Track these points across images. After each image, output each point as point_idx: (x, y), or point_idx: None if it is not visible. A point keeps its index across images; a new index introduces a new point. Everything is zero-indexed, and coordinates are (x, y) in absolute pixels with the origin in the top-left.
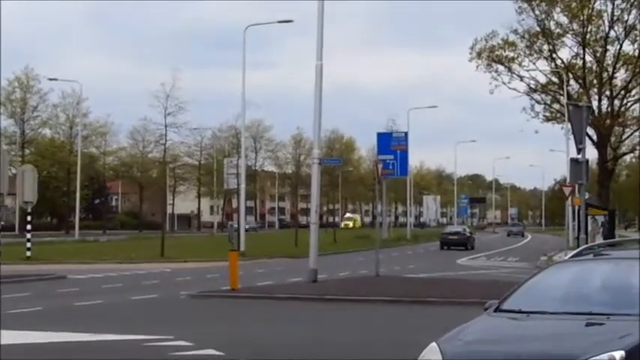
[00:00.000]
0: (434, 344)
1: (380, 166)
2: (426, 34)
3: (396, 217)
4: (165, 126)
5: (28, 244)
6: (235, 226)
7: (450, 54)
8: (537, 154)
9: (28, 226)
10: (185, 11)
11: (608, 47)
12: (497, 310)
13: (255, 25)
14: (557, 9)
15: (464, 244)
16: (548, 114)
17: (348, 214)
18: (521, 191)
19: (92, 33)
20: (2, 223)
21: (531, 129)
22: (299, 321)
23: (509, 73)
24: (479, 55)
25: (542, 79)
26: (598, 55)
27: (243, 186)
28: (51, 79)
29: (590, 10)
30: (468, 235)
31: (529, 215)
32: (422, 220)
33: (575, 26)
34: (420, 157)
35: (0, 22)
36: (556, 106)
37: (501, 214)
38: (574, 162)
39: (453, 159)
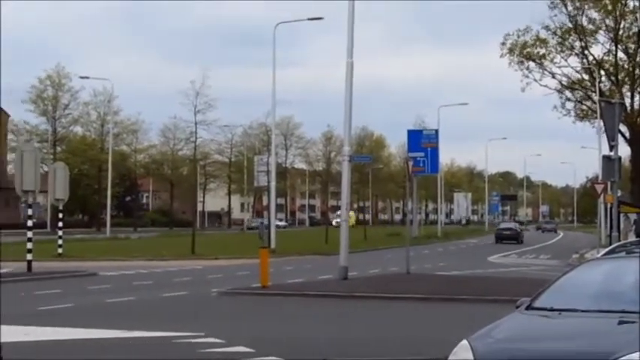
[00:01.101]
0: (465, 342)
1: (411, 163)
2: (456, 31)
3: (427, 215)
4: (195, 123)
5: (60, 242)
6: (265, 223)
7: (481, 51)
8: (569, 151)
9: (60, 224)
10: (216, 9)
11: None
12: (529, 307)
13: (286, 22)
14: (590, 5)
15: (515, 238)
16: (579, 111)
17: (338, 212)
18: (553, 189)
19: (123, 31)
20: (34, 220)
21: (563, 127)
22: (329, 318)
23: (541, 70)
24: (510, 51)
25: (574, 76)
26: (631, 51)
27: (273, 183)
28: (82, 77)
29: (623, 7)
30: (519, 230)
31: (561, 213)
32: (467, 217)
33: (607, 22)
34: (451, 155)
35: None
36: (588, 103)
37: (533, 212)
38: (606, 159)
39: (483, 156)
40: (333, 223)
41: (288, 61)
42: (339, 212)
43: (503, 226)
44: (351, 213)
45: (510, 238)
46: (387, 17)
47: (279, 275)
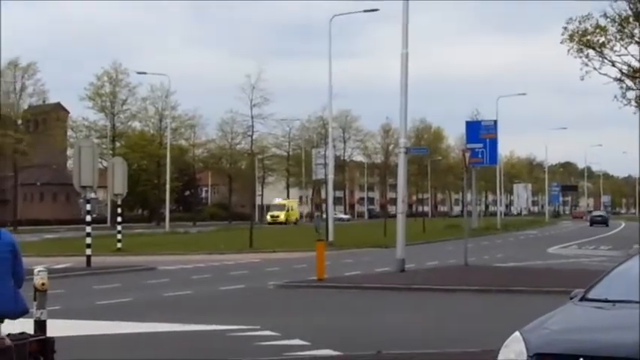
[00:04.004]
0: (517, 333)
1: (468, 154)
2: (514, 20)
3: (487, 206)
4: (252, 117)
5: (119, 236)
6: (324, 216)
7: (539, 40)
8: (631, 141)
9: (119, 219)
10: (270, 2)
11: None
12: (583, 299)
13: (341, 14)
14: None
15: (605, 222)
16: None
17: (277, 200)
18: (615, 179)
19: (179, 26)
20: (94, 215)
21: (624, 116)
22: (385, 310)
23: (601, 59)
24: (571, 37)
25: (635, 65)
26: None
27: (331, 176)
28: (139, 73)
29: None
30: (607, 216)
31: (623, 203)
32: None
33: None
34: (511, 146)
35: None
36: None
37: (594, 202)
38: None
39: (543, 147)
40: (267, 218)
41: (346, 52)
42: (276, 201)
43: (595, 213)
44: (292, 202)
45: (601, 222)
46: (444, 6)
47: (336, 268)
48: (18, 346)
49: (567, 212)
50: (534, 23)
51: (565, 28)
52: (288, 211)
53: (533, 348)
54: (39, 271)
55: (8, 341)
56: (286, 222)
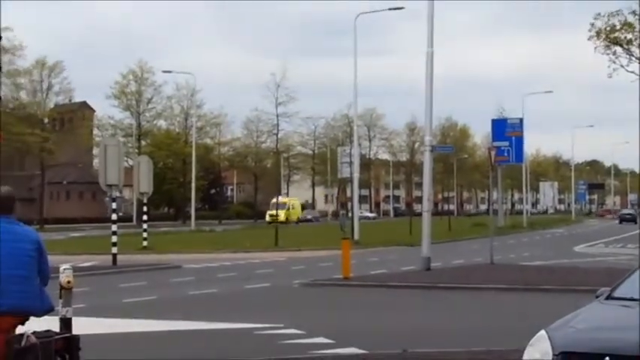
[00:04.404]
0: (543, 332)
1: (493, 152)
2: (540, 17)
3: (513, 205)
4: (277, 116)
5: (145, 235)
6: (349, 214)
7: (566, 37)
8: None
9: (145, 217)
10: (296, 1)
11: None
12: (609, 297)
13: (367, 13)
14: None
15: (634, 219)
16: None
17: (278, 198)
18: None
19: (204, 24)
20: (120, 213)
21: None
22: (410, 309)
23: (628, 56)
24: (597, 34)
25: None
26: None
27: (356, 175)
28: (165, 72)
29: None
30: (636, 214)
31: None
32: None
33: None
34: (537, 144)
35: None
36: None
37: (621, 200)
38: None
39: (570, 145)
40: (266, 218)
41: (371, 50)
42: (275, 199)
43: (624, 211)
44: (294, 201)
45: (630, 220)
46: (472, 4)
47: (361, 266)
48: (44, 344)
49: (594, 210)
50: (561, 20)
51: (592, 25)
52: (288, 209)
53: (558, 347)
54: (64, 269)
55: (34, 339)
56: (287, 221)
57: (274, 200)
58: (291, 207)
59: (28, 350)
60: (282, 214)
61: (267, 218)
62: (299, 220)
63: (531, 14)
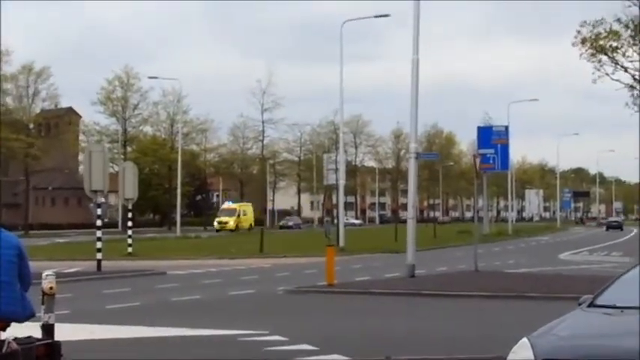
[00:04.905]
0: (525, 340)
1: (478, 159)
2: (526, 24)
3: (498, 212)
4: (263, 122)
5: (130, 241)
6: (334, 221)
7: (551, 44)
8: None
9: (130, 223)
10: (283, 7)
11: None
12: (591, 305)
13: (353, 20)
14: None
15: (620, 227)
16: None
17: (227, 204)
18: (627, 185)
19: (190, 30)
20: (105, 219)
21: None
22: (394, 316)
23: (613, 64)
24: (583, 42)
25: None
26: None
27: (342, 182)
28: (151, 77)
29: None
30: (621, 222)
31: (635, 209)
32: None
33: None
34: (522, 151)
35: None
36: None
37: (606, 208)
38: None
39: (555, 152)
40: (215, 224)
41: (358, 56)
42: (225, 204)
43: (610, 219)
44: (247, 206)
45: (616, 227)
46: (458, 11)
47: (346, 273)
48: (25, 350)
49: (575, 218)
50: (546, 27)
51: (578, 32)
52: (239, 216)
53: (540, 354)
54: (47, 275)
55: (15, 345)
56: (237, 229)
57: (223, 206)
58: (242, 213)
59: (10, 356)
60: (231, 221)
61: (216, 225)
62: (251, 227)
63: (518, 21)
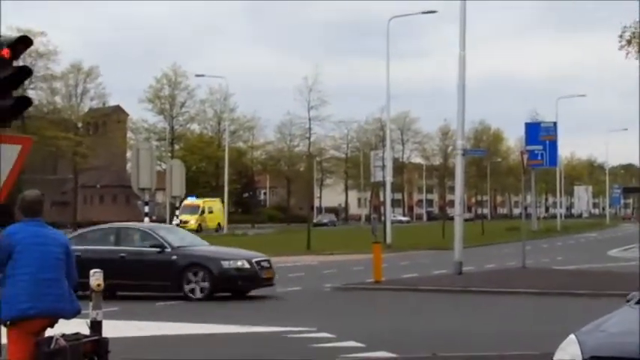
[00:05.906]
0: (572, 336)
1: (526, 156)
2: (574, 20)
3: (547, 209)
4: (309, 119)
5: None
6: (381, 218)
7: (599, 39)
8: None
9: (176, 221)
10: (328, 3)
11: None
12: None
13: (399, 16)
14: None
15: None
16: None
17: (189, 199)
18: None
19: (236, 29)
20: (153, 217)
21: None
22: (441, 313)
23: None
24: (629, 42)
25: None
26: None
27: (389, 179)
28: (198, 76)
29: None
30: None
31: None
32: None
33: None
34: (571, 147)
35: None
36: None
37: None
38: None
39: (604, 148)
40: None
41: (404, 53)
42: (187, 201)
43: None
44: (214, 202)
45: None
46: (505, 7)
47: (393, 270)
48: (72, 347)
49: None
50: (594, 22)
51: (621, 36)
52: (202, 214)
53: (588, 351)
54: (94, 272)
55: (63, 342)
56: (199, 229)
57: (185, 202)
58: (207, 210)
59: (57, 353)
60: (192, 220)
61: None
62: (219, 228)
63: (565, 16)
